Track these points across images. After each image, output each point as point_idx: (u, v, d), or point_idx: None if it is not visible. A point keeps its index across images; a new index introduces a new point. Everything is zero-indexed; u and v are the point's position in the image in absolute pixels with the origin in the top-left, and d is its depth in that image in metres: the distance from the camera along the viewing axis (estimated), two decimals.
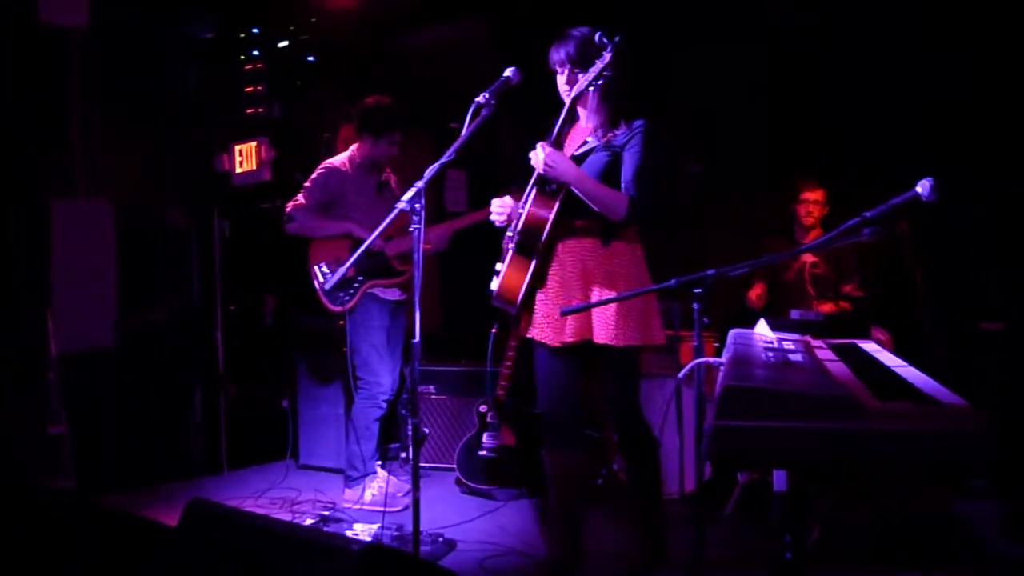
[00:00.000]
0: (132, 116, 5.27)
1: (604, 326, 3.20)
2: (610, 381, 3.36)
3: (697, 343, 2.69)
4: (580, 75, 3.22)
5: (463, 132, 3.18)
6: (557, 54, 3.27)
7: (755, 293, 4.86)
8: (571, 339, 3.21)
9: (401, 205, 3.03)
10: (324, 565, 2.44)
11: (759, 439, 1.86)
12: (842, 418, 1.82)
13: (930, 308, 4.13)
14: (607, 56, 3.01)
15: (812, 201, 4.86)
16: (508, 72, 3.27)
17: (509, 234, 3.39)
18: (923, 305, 4.22)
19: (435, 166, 3.12)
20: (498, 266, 3.47)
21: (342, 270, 3.31)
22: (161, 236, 5.49)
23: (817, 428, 1.82)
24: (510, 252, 3.30)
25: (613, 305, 3.16)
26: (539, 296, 3.32)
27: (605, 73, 3.04)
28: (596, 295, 3.22)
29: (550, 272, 3.29)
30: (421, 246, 3.05)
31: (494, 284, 3.38)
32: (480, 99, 3.20)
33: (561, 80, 3.30)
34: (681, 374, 2.65)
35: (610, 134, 3.26)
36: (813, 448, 1.83)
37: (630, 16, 3.16)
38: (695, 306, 2.67)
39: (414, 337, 3.10)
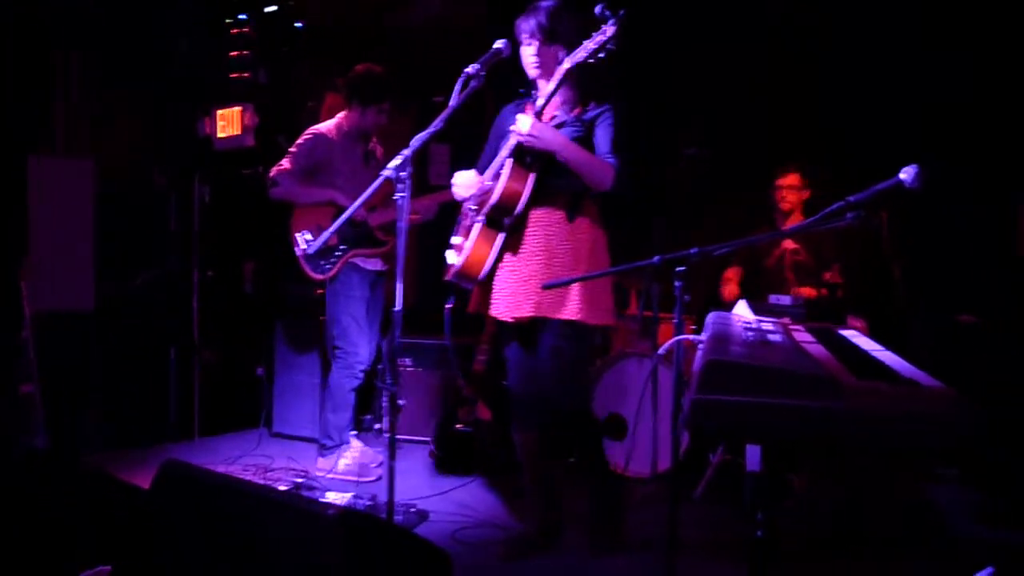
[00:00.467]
0: (114, 77, 5.23)
1: (558, 301, 3.18)
2: (550, 355, 3.30)
3: (678, 320, 2.70)
4: (548, 46, 3.21)
5: (451, 102, 3.15)
6: (527, 23, 3.24)
7: (730, 287, 4.87)
8: (528, 314, 3.19)
9: (387, 173, 3.02)
10: (301, 529, 2.44)
11: (739, 413, 1.88)
12: (821, 396, 1.84)
13: (907, 298, 4.17)
14: (610, 30, 2.93)
15: (787, 186, 4.86)
16: (499, 44, 3.23)
17: (472, 208, 3.36)
18: (900, 295, 4.26)
19: (423, 135, 3.11)
20: (455, 240, 3.45)
21: (326, 235, 3.30)
22: (141, 199, 5.46)
23: (796, 405, 1.84)
24: (478, 226, 3.26)
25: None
26: (499, 270, 3.28)
27: (608, 47, 2.96)
28: (558, 271, 3.19)
29: (513, 246, 3.26)
30: (407, 215, 3.03)
31: (454, 259, 3.35)
32: (470, 70, 3.16)
33: (528, 51, 3.26)
34: (661, 350, 2.67)
35: (578, 109, 3.24)
36: (792, 424, 1.85)
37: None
38: (677, 284, 2.67)
39: (395, 307, 3.08)
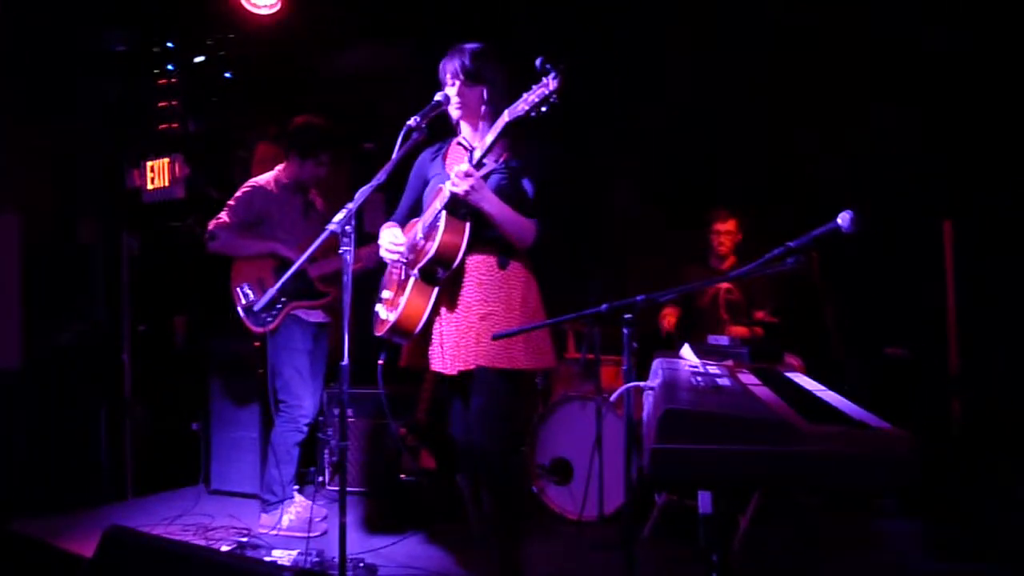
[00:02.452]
0: (40, 127, 5.13)
1: (500, 351, 3.14)
2: (489, 402, 3.22)
3: (627, 366, 2.74)
4: (471, 87, 3.23)
5: (394, 154, 3.17)
6: (450, 64, 3.25)
7: (668, 320, 4.99)
8: (471, 366, 3.15)
9: (332, 227, 3.02)
10: None
11: (699, 461, 1.92)
12: (779, 441, 1.90)
13: (841, 335, 4.30)
14: (552, 83, 2.87)
15: (724, 232, 5.03)
16: (439, 96, 3.26)
17: (402, 262, 3.33)
18: (832, 333, 4.39)
19: (367, 188, 3.10)
20: (385, 294, 3.42)
21: (273, 290, 3.26)
22: (68, 253, 5.35)
23: (755, 451, 1.89)
24: (412, 280, 3.23)
25: (497, 329, 3.11)
26: (435, 323, 3.24)
27: (552, 100, 2.90)
28: (494, 320, 3.16)
29: (448, 299, 3.22)
30: (351, 268, 3.04)
31: (386, 314, 3.32)
32: (411, 122, 3.18)
33: (451, 92, 3.25)
34: (613, 397, 2.70)
35: (505, 155, 3.24)
36: (751, 470, 1.89)
37: (541, 45, 3.13)
38: (625, 331, 2.72)
39: (341, 359, 3.08)
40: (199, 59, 5.47)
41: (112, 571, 2.69)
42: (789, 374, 3.08)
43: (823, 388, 2.77)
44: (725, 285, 4.99)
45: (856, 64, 4.86)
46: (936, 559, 2.33)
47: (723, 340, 4.14)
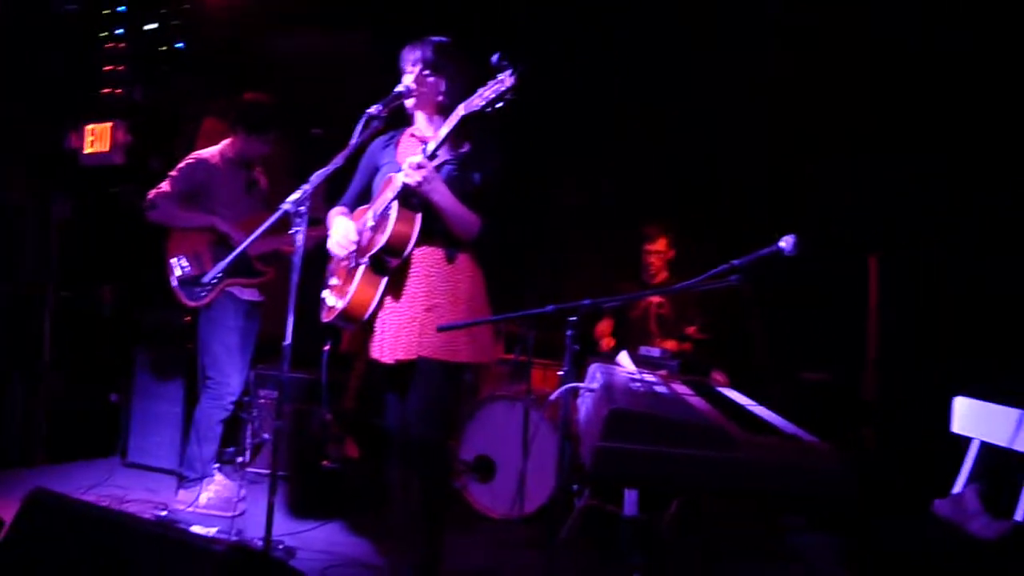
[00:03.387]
0: None
1: (441, 342, 3.17)
2: (426, 392, 3.25)
3: (568, 368, 2.78)
4: (429, 78, 3.26)
5: (352, 140, 3.17)
6: (412, 53, 3.29)
7: (606, 341, 5.10)
8: (411, 356, 3.18)
9: (286, 206, 3.01)
10: (185, 564, 2.39)
11: (642, 462, 1.99)
12: (717, 447, 1.98)
13: (766, 356, 4.45)
14: (508, 80, 2.92)
15: (653, 252, 5.14)
16: (400, 87, 3.28)
17: (350, 250, 3.34)
18: (757, 351, 4.54)
19: (323, 171, 3.11)
20: (333, 281, 3.43)
21: (224, 263, 3.22)
22: None
23: (695, 455, 1.98)
24: (362, 268, 3.24)
25: (441, 322, 3.14)
26: (380, 312, 3.26)
27: (507, 97, 2.94)
28: (439, 313, 3.19)
29: (394, 289, 3.24)
30: (302, 249, 3.04)
31: (336, 302, 3.32)
32: (372, 110, 3.19)
33: (408, 79, 3.27)
34: (553, 396, 2.75)
35: (458, 148, 3.27)
36: (691, 473, 1.98)
37: (499, 39, 3.18)
38: (568, 333, 2.77)
39: (281, 340, 3.07)
40: (151, 26, 5.38)
41: (35, 535, 2.63)
42: (720, 388, 3.19)
43: (752, 403, 2.88)
44: (657, 299, 5.10)
45: (795, 100, 5.04)
46: (850, 571, 2.44)
47: (654, 352, 4.26)
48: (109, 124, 5.27)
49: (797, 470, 1.91)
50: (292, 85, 5.70)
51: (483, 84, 3.02)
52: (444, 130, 3.15)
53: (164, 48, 5.43)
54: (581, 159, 5.64)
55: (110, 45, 5.38)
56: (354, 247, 3.31)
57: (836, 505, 1.88)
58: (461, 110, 3.07)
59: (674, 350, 4.88)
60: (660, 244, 5.12)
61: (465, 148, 3.27)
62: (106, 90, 5.37)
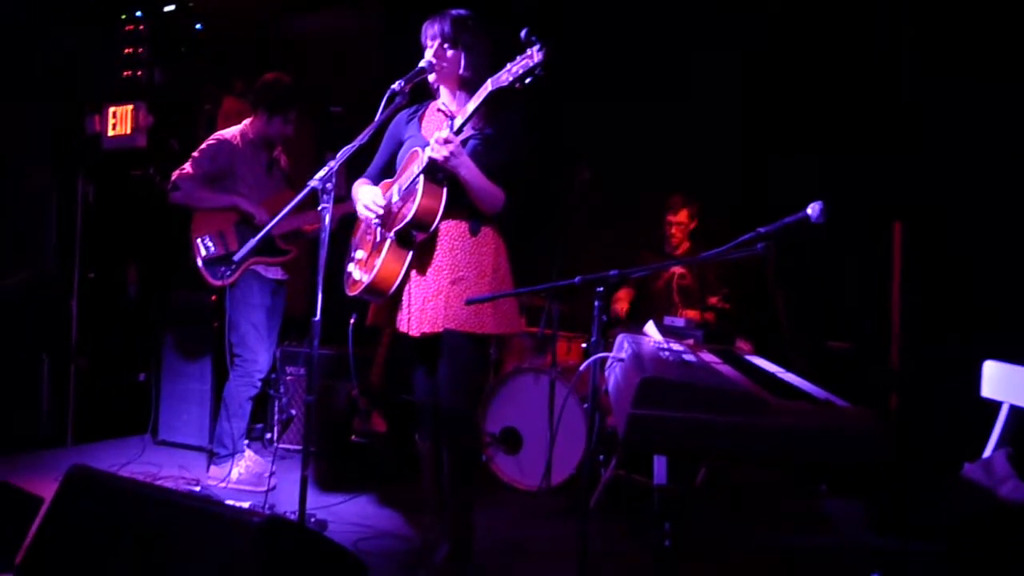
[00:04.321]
0: None
1: (467, 314, 3.20)
2: (452, 363, 3.27)
3: (596, 338, 2.79)
4: (449, 51, 3.26)
5: (377, 116, 3.17)
6: (431, 27, 3.28)
7: (622, 304, 5.10)
8: (437, 329, 3.20)
9: (313, 183, 3.02)
10: (222, 536, 2.43)
11: (674, 428, 2.00)
12: (750, 413, 1.99)
13: (789, 325, 4.44)
14: (537, 55, 2.89)
15: (675, 223, 5.15)
16: (423, 63, 3.27)
17: (376, 222, 3.35)
18: (782, 320, 4.53)
19: (348, 148, 3.11)
20: (358, 255, 3.44)
21: (254, 241, 3.23)
22: (19, 196, 5.24)
23: (728, 421, 1.98)
24: (388, 242, 3.26)
25: (467, 295, 3.18)
26: (406, 286, 3.28)
27: (537, 72, 2.92)
28: (465, 286, 3.22)
29: (420, 262, 3.26)
30: (328, 226, 3.06)
31: (362, 276, 3.33)
32: (395, 86, 3.18)
33: (429, 53, 3.27)
34: (583, 367, 2.76)
35: (484, 123, 3.27)
36: (723, 439, 1.98)
37: (526, 14, 3.17)
38: (596, 303, 2.78)
39: (311, 316, 3.09)
40: (169, 7, 5.39)
41: (76, 510, 2.67)
42: (748, 356, 3.19)
43: (782, 370, 2.88)
44: (679, 270, 5.10)
45: (815, 66, 5.00)
46: (879, 535, 2.45)
47: (679, 322, 4.27)
48: (130, 106, 5.28)
49: (833, 434, 1.91)
50: (310, 64, 5.72)
51: (511, 59, 3.00)
52: (471, 105, 3.15)
53: (183, 29, 5.43)
54: (599, 132, 5.61)
55: (129, 27, 5.38)
56: (382, 210, 3.32)
57: (872, 469, 1.88)
58: (489, 85, 3.06)
59: (697, 320, 4.88)
60: (682, 215, 5.13)
61: (491, 124, 3.27)
62: (127, 72, 5.37)
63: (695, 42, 5.31)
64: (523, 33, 2.94)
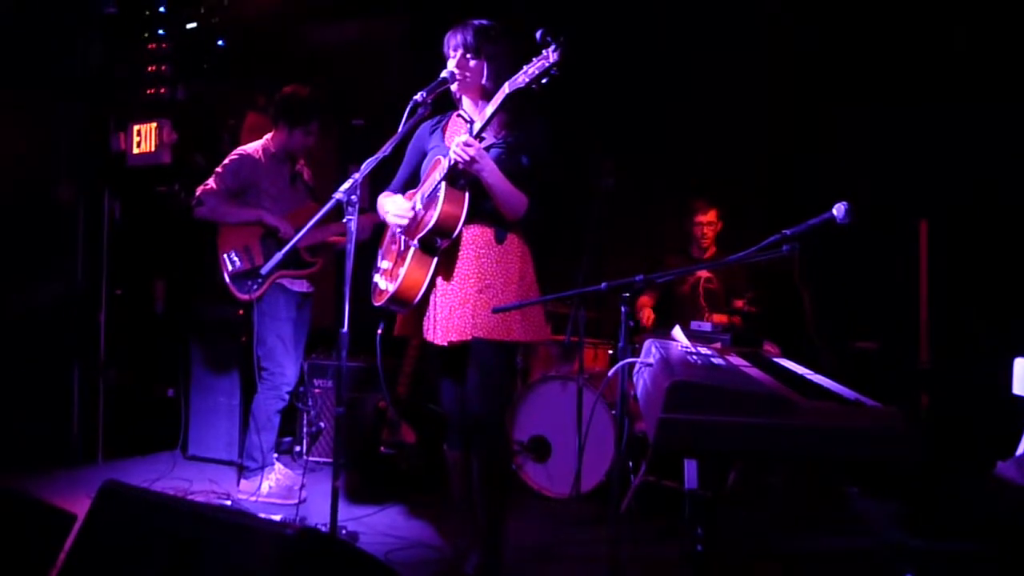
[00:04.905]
0: (21, 86, 5.09)
1: (495, 322, 3.20)
2: (480, 372, 3.29)
3: (622, 344, 2.80)
4: (472, 61, 3.27)
5: (400, 128, 3.20)
6: (454, 37, 3.29)
7: (646, 313, 5.12)
8: (465, 338, 3.21)
9: (338, 196, 3.05)
10: (257, 547, 2.45)
11: (704, 431, 2.01)
12: (779, 414, 1.99)
13: (816, 326, 4.44)
14: (553, 56, 2.92)
15: (706, 223, 5.16)
16: (445, 73, 3.29)
17: (399, 231, 3.38)
18: (809, 322, 4.52)
19: (372, 160, 3.14)
20: (383, 264, 3.47)
21: (278, 256, 3.26)
22: (47, 213, 5.32)
23: (757, 423, 1.99)
24: (412, 250, 3.28)
25: (494, 303, 3.19)
26: (432, 295, 3.30)
27: (552, 72, 2.94)
28: (491, 294, 3.22)
29: (445, 270, 3.27)
30: (354, 237, 3.08)
31: (387, 285, 3.35)
32: (418, 97, 3.20)
33: (451, 64, 3.29)
34: (611, 372, 2.77)
35: (504, 131, 3.29)
36: (753, 441, 1.99)
37: (546, 17, 3.18)
38: (623, 309, 2.79)
39: (342, 328, 3.12)
40: (191, 25, 5.46)
41: (110, 526, 2.71)
42: (776, 358, 3.19)
43: (810, 372, 2.88)
44: (705, 274, 5.11)
45: (837, 63, 4.99)
46: (912, 535, 2.45)
47: (706, 326, 4.27)
48: (154, 124, 5.35)
49: (863, 434, 1.92)
50: (332, 77, 5.76)
51: (528, 61, 3.02)
52: (490, 108, 3.17)
53: (205, 46, 5.50)
54: (619, 139, 5.63)
55: (152, 46, 5.45)
56: (411, 214, 3.33)
57: (902, 469, 1.88)
58: (506, 88, 3.09)
59: (724, 324, 4.88)
60: (711, 215, 5.14)
61: (514, 131, 3.29)
62: (150, 90, 5.45)
63: (717, 42, 5.30)
64: (538, 34, 2.96)
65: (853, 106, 4.93)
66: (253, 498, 4.39)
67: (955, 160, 4.47)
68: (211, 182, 4.45)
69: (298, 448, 5.26)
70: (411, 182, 3.52)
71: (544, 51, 2.96)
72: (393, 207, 3.37)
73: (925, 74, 4.66)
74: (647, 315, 5.12)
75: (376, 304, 3.43)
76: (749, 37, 5.22)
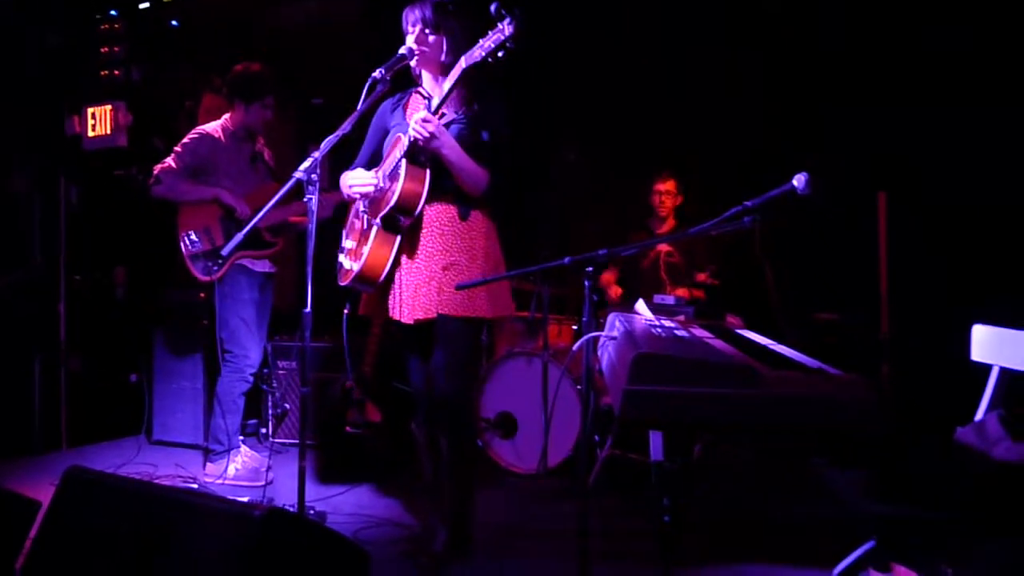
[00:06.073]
0: None
1: (460, 299, 3.19)
2: (447, 349, 3.26)
3: (587, 318, 2.78)
4: (431, 37, 3.24)
5: (359, 106, 3.15)
6: (412, 14, 3.26)
7: (614, 290, 5.12)
8: (431, 315, 3.20)
9: (298, 175, 3.01)
10: (226, 529, 2.42)
11: (669, 402, 2.01)
12: (744, 384, 2.00)
13: (778, 298, 4.45)
14: (508, 28, 2.88)
15: (664, 192, 5.16)
16: (403, 50, 3.25)
17: (362, 210, 3.36)
18: (771, 294, 4.54)
19: (332, 138, 3.09)
20: (347, 244, 3.44)
21: (239, 236, 3.21)
22: (1, 200, 5.20)
23: (722, 393, 1.99)
24: (375, 229, 3.24)
25: (459, 280, 3.16)
26: (396, 273, 3.28)
27: (508, 46, 2.91)
28: (457, 271, 3.21)
29: (409, 248, 3.26)
30: (315, 216, 3.04)
31: (352, 265, 3.32)
32: (376, 74, 3.16)
33: (410, 39, 3.26)
34: (576, 346, 2.76)
35: (464, 107, 3.28)
36: (718, 411, 1.99)
37: None
38: (586, 283, 2.77)
39: (304, 309, 3.08)
40: (144, 5, 5.35)
41: (74, 512, 2.66)
42: (739, 330, 3.20)
43: (773, 343, 2.89)
44: (666, 248, 5.11)
45: (797, 45, 5.01)
46: (878, 502, 2.47)
47: (669, 299, 4.27)
48: (109, 106, 5.24)
49: (825, 402, 1.93)
50: (290, 57, 5.68)
51: (483, 35, 3.00)
52: (447, 84, 3.16)
53: (159, 26, 5.39)
54: (581, 115, 5.61)
55: (105, 27, 5.34)
56: (374, 181, 3.29)
57: (865, 435, 1.89)
58: (463, 62, 3.07)
59: (687, 297, 4.89)
60: (670, 184, 5.15)
61: (473, 106, 3.27)
62: (104, 72, 5.33)
63: (682, 17, 5.29)
64: (493, 7, 2.93)
65: (820, 94, 4.96)
66: (220, 481, 4.35)
67: (911, 133, 4.51)
68: (169, 160, 4.38)
69: (264, 430, 5.22)
70: (373, 160, 3.49)
71: (499, 24, 2.93)
72: (355, 179, 3.33)
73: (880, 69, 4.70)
74: (615, 291, 5.13)
75: (342, 284, 3.40)
76: (712, 15, 5.21)
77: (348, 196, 3.42)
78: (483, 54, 2.99)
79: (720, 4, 5.21)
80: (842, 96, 4.88)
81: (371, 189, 3.31)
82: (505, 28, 2.91)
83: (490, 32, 2.97)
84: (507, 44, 2.94)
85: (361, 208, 3.39)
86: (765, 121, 5.17)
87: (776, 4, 5.04)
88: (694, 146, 5.39)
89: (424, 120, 3.08)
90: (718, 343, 2.60)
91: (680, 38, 5.30)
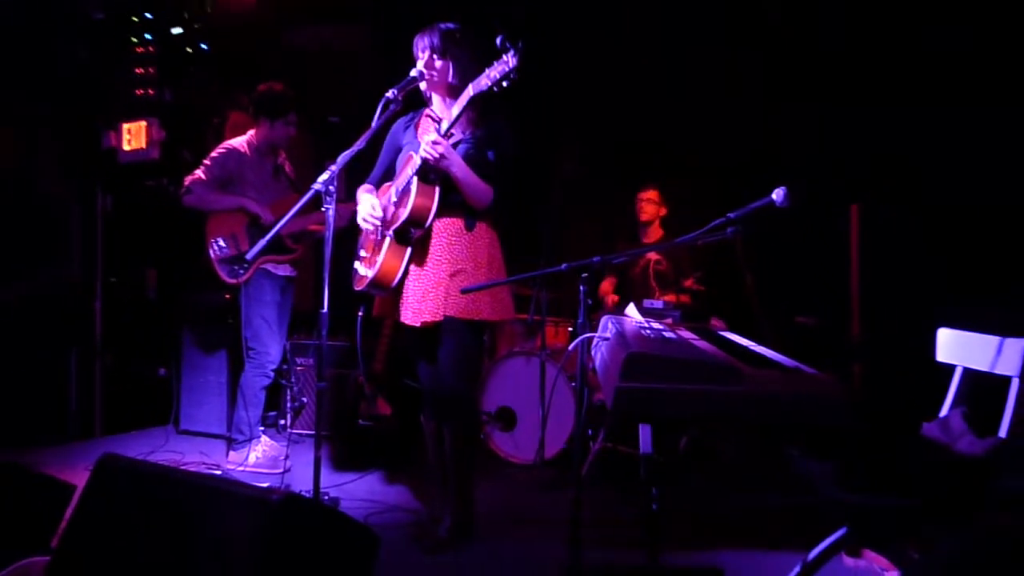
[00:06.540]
0: (13, 87, 4.96)
1: (465, 303, 3.20)
2: (454, 349, 3.28)
3: (582, 320, 2.78)
4: (439, 62, 3.25)
5: (373, 123, 3.17)
6: (422, 40, 3.28)
7: (612, 298, 5.12)
8: (436, 318, 3.20)
9: (317, 186, 3.02)
10: (246, 513, 2.42)
11: (658, 398, 2.00)
12: (727, 381, 1.99)
13: (759, 302, 4.45)
14: (512, 60, 2.91)
15: (646, 199, 5.16)
16: (414, 72, 3.27)
17: (376, 223, 3.36)
18: (752, 299, 4.54)
19: (348, 153, 3.11)
20: (362, 252, 3.45)
21: (262, 243, 3.21)
22: (43, 208, 5.20)
23: (707, 390, 1.98)
24: (387, 240, 3.26)
25: (466, 285, 3.17)
26: (407, 279, 3.28)
27: (512, 76, 2.94)
28: (462, 277, 3.22)
29: (419, 257, 3.27)
30: (332, 225, 3.05)
31: (366, 272, 3.33)
32: (389, 94, 3.18)
33: (420, 64, 3.27)
34: (571, 346, 2.76)
35: (471, 128, 3.28)
36: (704, 406, 1.98)
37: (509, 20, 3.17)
38: (581, 288, 2.77)
39: (321, 309, 3.08)
40: (176, 30, 5.36)
41: (107, 496, 2.66)
42: (722, 332, 3.19)
43: (754, 344, 2.89)
44: (654, 256, 5.11)
45: (775, 55, 5.01)
46: (850, 492, 2.46)
47: (657, 304, 4.27)
48: (143, 123, 5.25)
49: (802, 399, 1.92)
50: (309, 78, 5.69)
51: (489, 65, 3.02)
52: (455, 109, 3.18)
53: (189, 50, 5.40)
54: (576, 132, 5.62)
55: (139, 49, 5.34)
56: (379, 221, 3.32)
57: (838, 429, 1.89)
58: (470, 90, 3.09)
59: (674, 302, 4.89)
60: (652, 194, 5.14)
61: (479, 128, 3.28)
62: (139, 91, 5.34)
63: (678, 36, 5.29)
64: (499, 40, 2.96)
65: (799, 103, 4.95)
66: (241, 468, 4.34)
67: (911, 133, 4.49)
68: (199, 172, 4.38)
69: (282, 421, 5.21)
70: (388, 175, 3.51)
71: (504, 56, 2.95)
72: (364, 210, 3.36)
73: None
74: (612, 299, 5.14)
75: (357, 289, 3.41)
76: (708, 32, 5.21)
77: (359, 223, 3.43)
78: (489, 83, 3.01)
79: (720, 4, 5.19)
80: (842, 96, 4.87)
81: (372, 227, 3.37)
82: (509, 60, 2.93)
83: (495, 63, 2.99)
84: (511, 75, 2.96)
85: (376, 222, 3.39)
86: (765, 121, 5.16)
87: (776, 4, 5.03)
88: (693, 147, 5.37)
89: (434, 142, 3.10)
90: (703, 344, 2.59)
91: (680, 38, 5.29)
